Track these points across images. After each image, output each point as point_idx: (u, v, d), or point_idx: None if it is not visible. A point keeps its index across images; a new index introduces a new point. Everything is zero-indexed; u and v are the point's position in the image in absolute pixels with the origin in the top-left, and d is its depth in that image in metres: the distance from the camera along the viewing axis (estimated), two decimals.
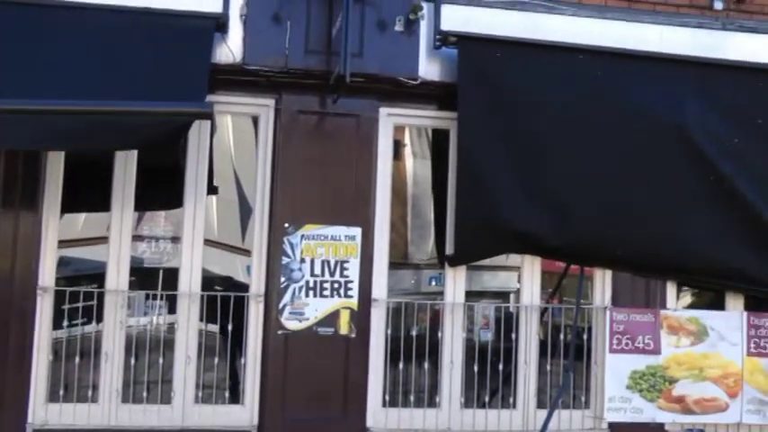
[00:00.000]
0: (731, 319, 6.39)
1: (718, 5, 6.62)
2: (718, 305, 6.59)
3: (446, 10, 5.97)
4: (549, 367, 6.25)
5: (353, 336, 5.81)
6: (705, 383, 6.26)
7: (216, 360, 5.87)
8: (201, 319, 5.80)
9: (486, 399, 6.15)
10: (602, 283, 6.35)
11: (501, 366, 6.18)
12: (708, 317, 6.38)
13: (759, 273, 6.26)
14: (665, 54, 6.23)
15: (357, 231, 5.86)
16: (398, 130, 6.61)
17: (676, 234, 6.11)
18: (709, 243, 6.16)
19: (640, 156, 6.08)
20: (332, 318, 5.78)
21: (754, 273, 6.24)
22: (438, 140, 6.51)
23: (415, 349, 6.13)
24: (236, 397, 5.92)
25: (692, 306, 6.69)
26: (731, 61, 6.35)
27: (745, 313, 6.42)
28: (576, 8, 6.31)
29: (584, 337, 6.29)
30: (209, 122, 5.55)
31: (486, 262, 6.44)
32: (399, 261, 7.01)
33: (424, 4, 5.90)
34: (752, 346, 6.36)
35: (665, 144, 6.10)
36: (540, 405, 6.17)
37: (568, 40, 6.11)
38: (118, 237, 5.72)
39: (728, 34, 6.48)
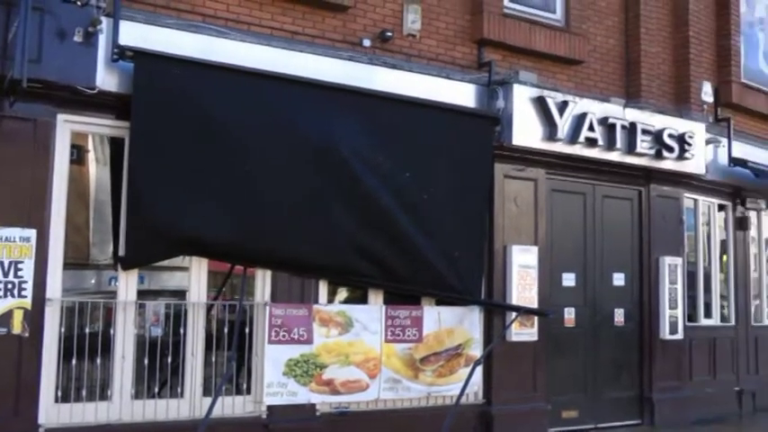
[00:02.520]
0: (372, 312, 8.45)
1: (367, 43, 8.67)
2: (363, 300, 8.63)
3: (126, 26, 7.15)
4: (214, 358, 7.70)
5: (27, 335, 6.68)
6: (350, 367, 8.21)
7: None
8: None
9: (156, 390, 7.57)
10: (263, 281, 7.95)
11: (170, 359, 7.52)
12: (353, 310, 8.37)
13: (396, 272, 8.51)
14: (322, 81, 8.08)
15: (32, 233, 6.79)
16: (82, 136, 7.78)
17: (327, 240, 8.04)
18: (355, 247, 8.20)
19: (297, 170, 7.81)
20: (5, 318, 6.63)
21: (392, 271, 8.50)
22: (116, 148, 7.75)
23: (88, 346, 7.20)
24: None
25: (341, 301, 8.67)
26: (377, 91, 8.41)
27: (384, 306, 8.53)
28: (244, 35, 7.88)
29: (247, 330, 7.86)
30: None
31: (164, 263, 7.89)
32: (81, 262, 8.21)
33: (104, 19, 6.95)
34: (389, 334, 8.49)
35: (320, 160, 7.92)
36: (206, 393, 7.48)
37: (239, 63, 7.68)
38: None
39: (375, 68, 8.57)
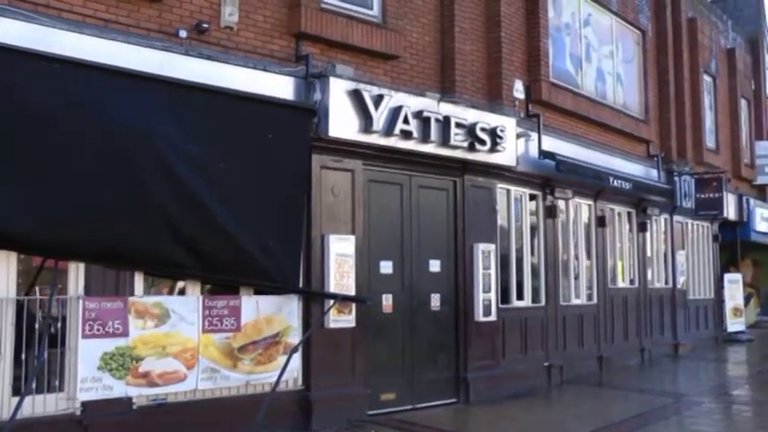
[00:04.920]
0: (189, 303, 8.28)
1: (183, 34, 8.41)
2: (180, 291, 8.44)
3: None
4: (24, 356, 7.28)
5: None
6: (167, 359, 8.02)
7: None
8: None
9: None
10: (76, 275, 7.62)
11: None
12: (170, 301, 8.17)
13: (214, 262, 8.39)
14: (135, 71, 7.82)
15: None
16: None
17: (142, 231, 7.80)
18: (171, 239, 7.97)
19: (111, 161, 7.51)
20: None
21: (209, 262, 8.36)
22: None
23: None
24: None
25: (158, 293, 8.42)
26: (192, 82, 8.21)
27: (201, 297, 8.40)
28: (55, 21, 7.48)
29: (59, 325, 7.53)
30: None
31: None
32: None
33: None
34: (206, 324, 8.35)
35: (134, 151, 7.63)
36: (16, 393, 7.08)
37: (49, 50, 7.29)
38: None
39: (191, 59, 8.36)
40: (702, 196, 19.05)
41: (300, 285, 9.14)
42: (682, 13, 19.22)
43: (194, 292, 8.50)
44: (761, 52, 26.54)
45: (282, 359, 8.74)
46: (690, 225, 19.72)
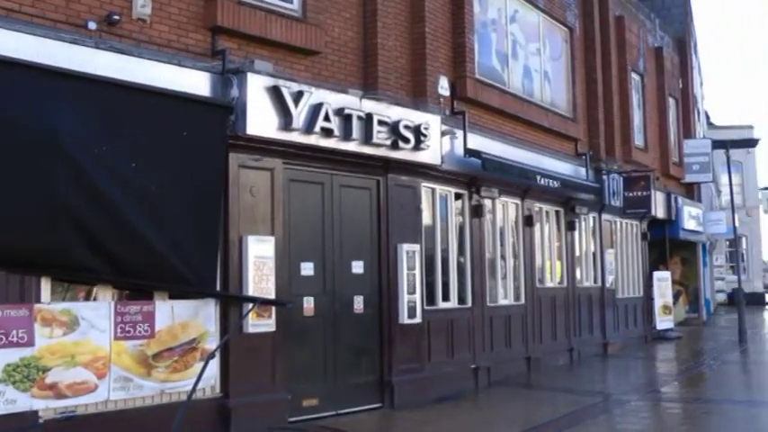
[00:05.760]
0: (100, 309, 8.11)
1: (92, 26, 8.23)
2: (91, 296, 8.25)
3: None
4: None
5: None
6: (77, 369, 7.83)
7: None
8: None
9: None
10: None
11: None
12: (79, 308, 7.97)
13: (126, 266, 8.26)
14: (40, 64, 7.61)
15: None
16: None
17: (49, 235, 7.65)
18: (80, 242, 7.83)
19: (14, 160, 7.37)
20: None
21: (121, 266, 8.22)
22: None
23: None
24: None
25: (74, 299, 8.14)
26: (101, 77, 8.04)
27: (113, 302, 8.24)
28: None
29: None
30: None
31: None
32: None
33: None
34: (119, 331, 8.19)
35: (39, 149, 7.47)
36: None
37: None
38: None
39: (100, 53, 8.19)
40: (631, 194, 19.55)
41: (217, 289, 9.06)
42: (609, 11, 19.70)
43: (105, 297, 8.33)
44: (688, 51, 27.40)
45: (199, 366, 8.61)
46: (618, 223, 20.21)
